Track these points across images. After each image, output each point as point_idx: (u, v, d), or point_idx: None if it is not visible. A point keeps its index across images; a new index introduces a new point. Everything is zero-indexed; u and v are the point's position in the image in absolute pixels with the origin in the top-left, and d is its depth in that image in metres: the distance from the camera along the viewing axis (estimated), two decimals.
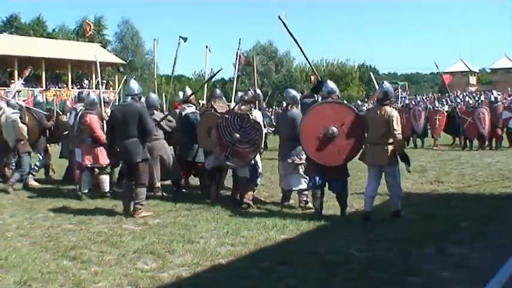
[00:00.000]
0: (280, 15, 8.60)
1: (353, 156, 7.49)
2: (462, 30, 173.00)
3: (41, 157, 11.63)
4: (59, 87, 36.37)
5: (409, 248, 5.83)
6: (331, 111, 7.52)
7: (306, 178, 8.09)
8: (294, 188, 8.39)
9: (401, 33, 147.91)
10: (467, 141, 18.51)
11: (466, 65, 73.01)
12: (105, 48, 48.95)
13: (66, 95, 33.67)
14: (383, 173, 7.32)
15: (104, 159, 9.36)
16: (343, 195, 7.69)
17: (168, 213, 7.93)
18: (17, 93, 16.69)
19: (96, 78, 39.10)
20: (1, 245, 6.17)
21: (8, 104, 10.91)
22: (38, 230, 6.92)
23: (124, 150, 7.81)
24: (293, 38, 8.72)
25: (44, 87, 34.48)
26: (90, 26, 42.37)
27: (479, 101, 20.35)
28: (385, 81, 7.93)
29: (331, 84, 8.13)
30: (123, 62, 45.10)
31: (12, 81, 33.59)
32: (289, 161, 8.27)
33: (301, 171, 8.26)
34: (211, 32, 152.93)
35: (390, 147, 7.10)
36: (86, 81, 39.11)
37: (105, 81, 40.92)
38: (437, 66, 21.49)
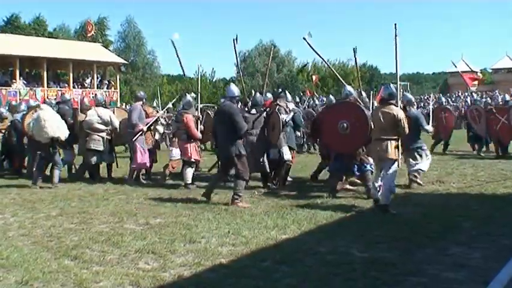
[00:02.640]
0: (305, 36, 9.95)
1: (360, 146, 8.60)
2: (464, 30, 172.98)
3: (65, 154, 11.85)
4: (60, 87, 36.35)
5: (410, 248, 5.84)
6: (345, 110, 9.03)
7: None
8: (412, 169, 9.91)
9: (402, 33, 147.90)
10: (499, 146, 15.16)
11: (467, 65, 72.79)
12: (106, 48, 48.95)
13: (68, 95, 33.60)
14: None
15: (194, 154, 10.51)
16: (367, 176, 8.66)
17: (170, 212, 7.94)
18: (18, 92, 16.93)
19: (97, 78, 39.25)
20: (3, 244, 6.17)
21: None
22: (39, 230, 6.93)
23: (221, 146, 8.65)
24: (318, 54, 10.33)
25: (46, 86, 34.59)
26: (92, 27, 42.40)
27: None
28: (390, 84, 9.00)
29: (348, 87, 9.61)
30: (124, 61, 45.13)
31: (14, 80, 33.62)
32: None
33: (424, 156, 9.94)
34: (213, 32, 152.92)
35: (394, 143, 7.71)
36: (88, 81, 39.07)
37: (107, 81, 41.01)
38: (455, 66, 21.24)
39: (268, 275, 4.96)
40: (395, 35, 8.00)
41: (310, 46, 9.98)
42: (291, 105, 11.76)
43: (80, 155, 11.81)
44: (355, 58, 11.25)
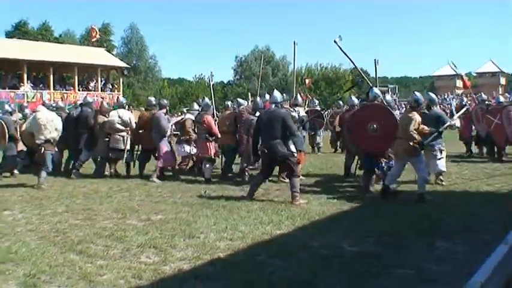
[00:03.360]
0: (335, 39, 10.10)
1: (389, 146, 8.87)
2: (449, 35, 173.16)
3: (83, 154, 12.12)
4: (66, 90, 36.29)
5: (397, 242, 5.87)
6: (374, 111, 9.31)
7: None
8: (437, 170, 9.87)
9: (391, 39, 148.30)
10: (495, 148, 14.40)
11: (453, 69, 72.99)
12: (110, 52, 48.85)
13: (73, 97, 33.61)
14: (405, 165, 8.78)
15: (212, 151, 10.93)
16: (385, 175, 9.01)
17: (170, 209, 7.95)
18: (25, 94, 17.04)
19: (101, 81, 39.19)
20: (11, 239, 6.18)
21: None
22: (46, 226, 6.93)
23: (269, 148, 8.51)
24: (349, 58, 10.45)
25: (52, 89, 34.50)
26: (96, 32, 42.29)
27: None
28: (415, 91, 9.63)
29: (376, 90, 9.88)
30: (127, 66, 45.06)
31: (22, 83, 33.55)
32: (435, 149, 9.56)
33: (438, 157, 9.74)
34: (210, 36, 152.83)
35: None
36: (92, 84, 38.99)
37: (110, 84, 40.95)
38: (455, 66, 21.00)
39: (264, 268, 4.98)
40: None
41: (341, 49, 10.09)
42: (301, 111, 11.79)
43: (99, 153, 12.00)
44: (376, 67, 11.30)
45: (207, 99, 12.03)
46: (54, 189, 10.04)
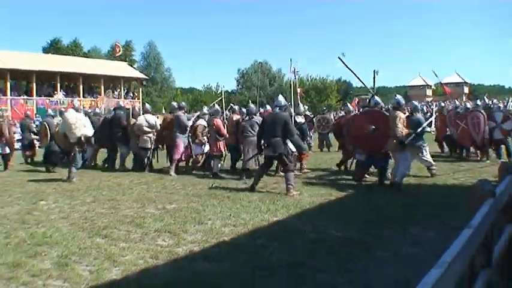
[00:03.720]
0: (339, 56, 10.39)
1: (384, 146, 8.74)
2: (420, 50, 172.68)
3: (120, 149, 12.48)
4: (93, 98, 36.24)
5: (378, 228, 5.85)
6: (375, 116, 9.20)
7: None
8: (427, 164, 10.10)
9: (369, 53, 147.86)
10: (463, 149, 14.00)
11: (423, 80, 73.11)
12: (131, 66, 48.78)
13: (99, 104, 33.62)
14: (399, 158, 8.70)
15: (222, 149, 11.07)
16: (384, 170, 9.12)
17: (182, 199, 7.93)
18: (58, 102, 17.14)
19: (124, 90, 39.15)
20: (46, 225, 6.17)
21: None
22: (76, 214, 6.92)
23: (271, 145, 8.46)
24: (352, 72, 10.87)
25: (81, 97, 34.48)
26: (120, 49, 42.24)
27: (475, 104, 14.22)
28: (397, 94, 9.95)
29: (376, 98, 9.92)
30: (146, 77, 45.01)
31: (55, 92, 33.51)
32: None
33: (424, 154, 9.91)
34: (217, 51, 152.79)
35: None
36: (116, 93, 38.92)
37: (131, 93, 40.91)
38: (436, 75, 20.75)
39: (263, 250, 4.96)
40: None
41: (345, 64, 10.03)
42: (300, 118, 12.03)
43: (131, 150, 12.27)
44: (374, 78, 11.53)
45: (217, 106, 12.31)
46: (83, 182, 10.02)
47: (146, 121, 11.75)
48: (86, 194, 8.58)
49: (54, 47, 53.55)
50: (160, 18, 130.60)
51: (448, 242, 2.29)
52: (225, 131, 11.15)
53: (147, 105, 13.59)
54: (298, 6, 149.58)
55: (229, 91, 60.09)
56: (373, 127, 8.89)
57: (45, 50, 52.24)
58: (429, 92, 72.72)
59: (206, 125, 11.38)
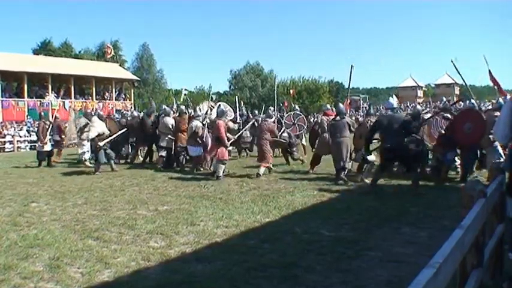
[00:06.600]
0: (452, 59, 10.47)
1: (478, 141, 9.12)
2: (412, 51, 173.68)
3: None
4: (84, 99, 36.00)
5: (369, 228, 5.87)
6: (471, 115, 9.29)
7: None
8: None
9: (362, 54, 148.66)
10: None
11: (414, 81, 73.51)
12: (121, 66, 48.51)
13: (91, 106, 33.44)
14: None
15: (225, 156, 10.47)
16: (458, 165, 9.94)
17: (174, 201, 7.90)
18: (50, 103, 17.06)
19: (115, 92, 38.95)
20: (38, 227, 6.13)
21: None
22: (68, 216, 6.87)
23: (396, 145, 8.29)
24: (461, 77, 10.54)
25: (73, 99, 34.26)
26: (111, 49, 41.99)
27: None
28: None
29: (472, 101, 10.48)
30: (137, 78, 44.78)
31: (47, 94, 33.26)
32: None
33: None
34: (210, 53, 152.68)
35: None
36: (107, 94, 38.69)
37: (123, 94, 40.70)
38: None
39: (255, 251, 4.96)
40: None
41: (456, 69, 10.27)
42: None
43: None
44: (351, 73, 11.61)
45: (222, 107, 12.14)
46: (74, 184, 9.96)
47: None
48: (77, 196, 8.52)
49: (45, 49, 53.10)
50: (152, 19, 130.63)
51: (440, 242, 2.29)
52: (224, 135, 10.45)
53: (167, 108, 13.62)
54: (291, 8, 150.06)
55: (221, 92, 60.05)
56: (469, 125, 9.07)
57: (35, 52, 51.80)
58: (420, 93, 73.15)
59: (201, 126, 11.34)
